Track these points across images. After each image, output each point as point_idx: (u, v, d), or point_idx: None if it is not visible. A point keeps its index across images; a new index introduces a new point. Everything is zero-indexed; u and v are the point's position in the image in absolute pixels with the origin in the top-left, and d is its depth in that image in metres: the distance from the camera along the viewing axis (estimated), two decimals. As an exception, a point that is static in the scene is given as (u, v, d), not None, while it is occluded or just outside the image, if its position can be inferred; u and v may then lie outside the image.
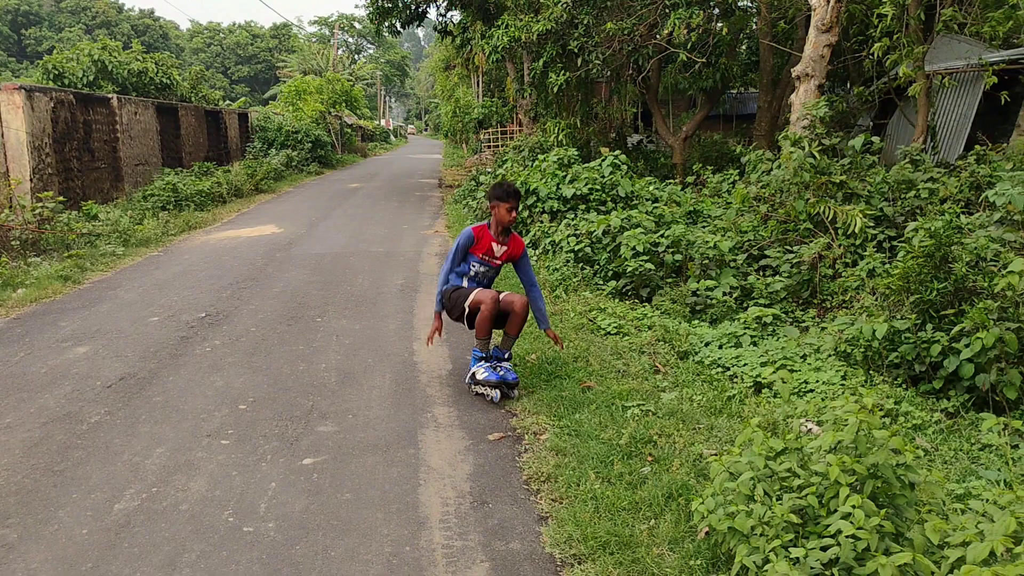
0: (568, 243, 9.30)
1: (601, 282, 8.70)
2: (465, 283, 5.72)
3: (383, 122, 73.44)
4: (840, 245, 8.75)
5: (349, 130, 41.24)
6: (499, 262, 5.76)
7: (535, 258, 9.72)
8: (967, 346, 5.74)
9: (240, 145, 26.13)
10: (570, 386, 5.61)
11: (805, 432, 5.49)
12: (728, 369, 6.47)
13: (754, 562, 2.94)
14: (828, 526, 2.97)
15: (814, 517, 3.09)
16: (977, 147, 10.22)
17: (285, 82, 44.37)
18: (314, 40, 75.42)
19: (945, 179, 9.70)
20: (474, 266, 5.68)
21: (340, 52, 68.23)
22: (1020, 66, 12.44)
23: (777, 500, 3.14)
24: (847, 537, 2.81)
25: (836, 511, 3.00)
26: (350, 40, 79.37)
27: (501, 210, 5.58)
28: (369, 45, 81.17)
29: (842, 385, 6.05)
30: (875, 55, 11.88)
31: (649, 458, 4.43)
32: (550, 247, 9.74)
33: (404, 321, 7.57)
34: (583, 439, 4.66)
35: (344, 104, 36.81)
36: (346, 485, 4.17)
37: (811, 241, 8.96)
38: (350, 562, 3.43)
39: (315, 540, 3.61)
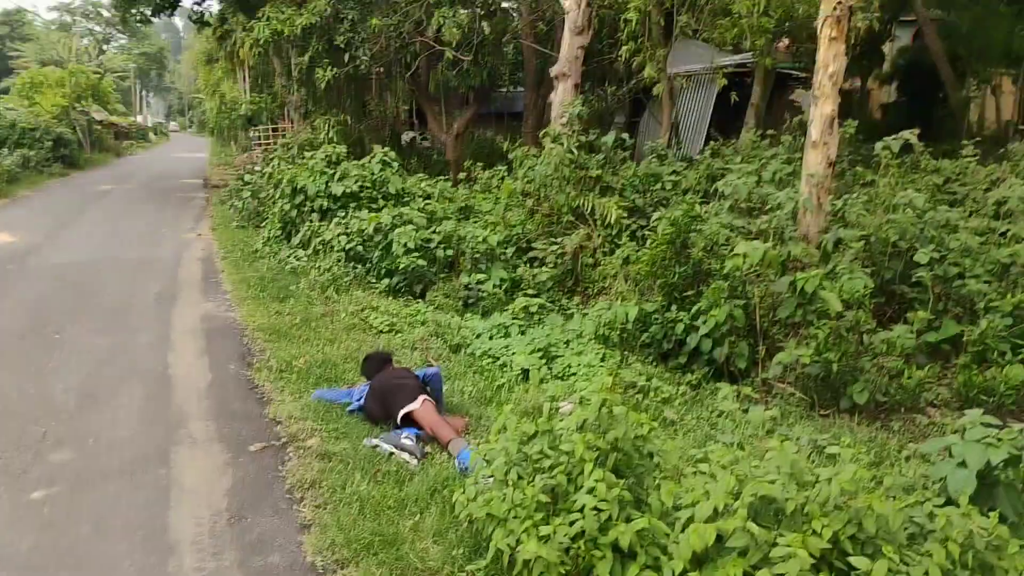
0: (339, 242, 9.11)
1: (374, 280, 8.62)
2: None
3: (140, 118, 67.64)
4: (599, 235, 9.31)
5: (99, 127, 37.49)
6: None
7: (305, 258, 9.41)
8: (704, 323, 6.34)
9: (-36, 144, 22.88)
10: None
11: (567, 414, 5.79)
12: (498, 359, 6.65)
13: (508, 544, 3.03)
14: (576, 501, 3.14)
15: (564, 494, 3.25)
16: (712, 143, 11.34)
17: (20, 73, 39.45)
18: (54, 27, 67.70)
19: (686, 172, 10.67)
20: None
21: (85, 42, 61.90)
22: (746, 69, 13.95)
23: (530, 483, 3.26)
24: (592, 510, 2.98)
25: (583, 487, 3.17)
26: (96, 29, 72.06)
27: None
28: (120, 35, 74.29)
29: (601, 366, 6.44)
30: (623, 57, 12.78)
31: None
32: (320, 247, 9.48)
33: (159, 333, 7.00)
34: (352, 441, 4.58)
35: (91, 98, 33.45)
36: (84, 517, 3.77)
37: (573, 232, 9.46)
38: (85, 602, 3.12)
39: (44, 582, 3.24)
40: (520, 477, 3.28)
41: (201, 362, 6.17)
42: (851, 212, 7.45)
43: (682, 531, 3.09)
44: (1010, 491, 3.82)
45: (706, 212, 8.14)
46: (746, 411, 5.63)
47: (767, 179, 9.18)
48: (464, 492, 3.42)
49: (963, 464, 3.83)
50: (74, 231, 12.92)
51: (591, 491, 3.09)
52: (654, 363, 6.64)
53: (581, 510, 3.09)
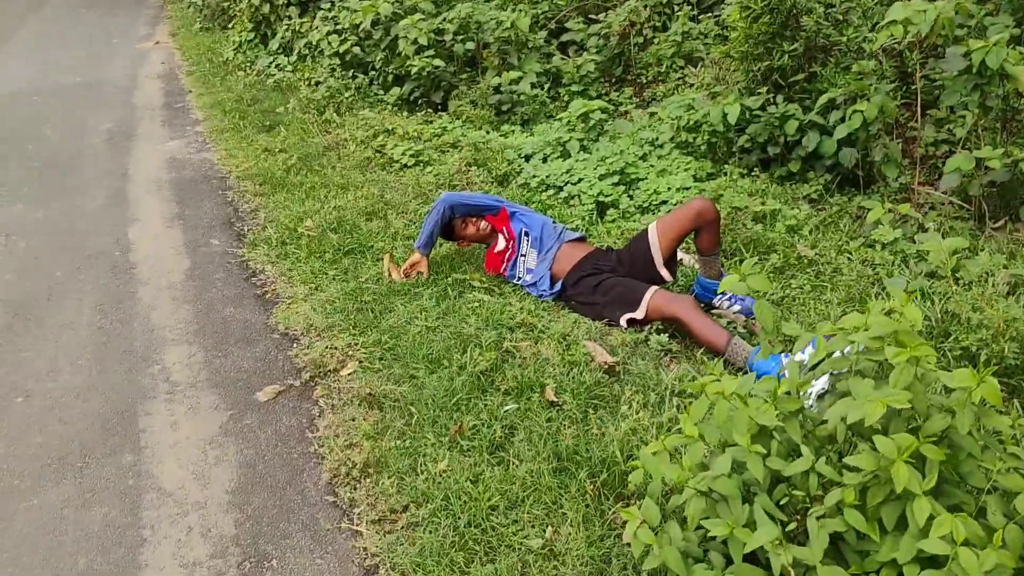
0: (330, 43, 6.89)
1: (381, 92, 6.54)
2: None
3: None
4: (646, 6, 7.09)
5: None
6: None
7: (290, 68, 7.23)
8: (842, 120, 4.49)
9: None
10: (371, 265, 3.77)
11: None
12: (561, 189, 4.87)
13: None
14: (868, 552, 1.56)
15: (855, 544, 1.67)
16: None
17: None
18: None
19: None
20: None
21: None
22: None
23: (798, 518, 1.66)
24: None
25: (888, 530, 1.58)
26: None
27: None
28: None
29: (697, 187, 4.69)
30: None
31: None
32: (307, 51, 7.26)
33: (114, 190, 5.11)
34: (405, 364, 2.93)
35: None
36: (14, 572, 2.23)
37: (613, 5, 7.25)
38: None
39: None
40: (771, 517, 1.67)
41: (173, 236, 4.35)
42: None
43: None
44: None
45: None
46: (909, 238, 4.03)
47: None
48: (643, 519, 1.83)
49: None
50: (5, 53, 10.42)
51: (923, 535, 1.51)
52: (753, 174, 4.88)
53: (892, 562, 1.54)
